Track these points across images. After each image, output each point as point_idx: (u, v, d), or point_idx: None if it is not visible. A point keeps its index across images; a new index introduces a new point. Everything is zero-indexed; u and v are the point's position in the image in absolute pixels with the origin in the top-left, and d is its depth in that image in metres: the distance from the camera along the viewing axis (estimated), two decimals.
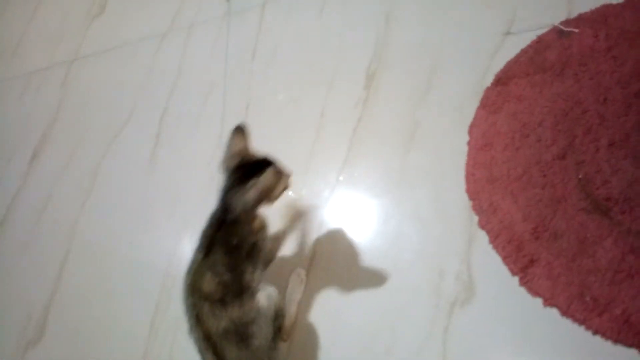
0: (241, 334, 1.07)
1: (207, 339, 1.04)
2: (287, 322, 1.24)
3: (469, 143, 1.31)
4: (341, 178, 1.43)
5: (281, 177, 1.13)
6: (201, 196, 1.55)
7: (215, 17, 1.87)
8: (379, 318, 1.22)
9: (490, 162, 1.26)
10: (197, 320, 1.05)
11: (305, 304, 1.29)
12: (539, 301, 1.10)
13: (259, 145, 1.54)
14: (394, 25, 1.57)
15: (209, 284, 1.08)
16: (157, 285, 1.48)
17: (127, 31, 2.02)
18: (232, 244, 1.11)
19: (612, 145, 1.19)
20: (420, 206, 1.31)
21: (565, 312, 1.07)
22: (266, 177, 1.09)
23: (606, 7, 1.35)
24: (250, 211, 1.13)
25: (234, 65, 1.74)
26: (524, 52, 1.37)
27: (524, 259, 1.14)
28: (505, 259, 1.16)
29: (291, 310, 1.26)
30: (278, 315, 1.16)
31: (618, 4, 1.34)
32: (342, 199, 1.41)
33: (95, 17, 2.12)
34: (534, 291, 1.11)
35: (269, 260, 1.28)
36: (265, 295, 1.14)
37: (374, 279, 1.26)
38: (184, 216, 1.57)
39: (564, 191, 1.18)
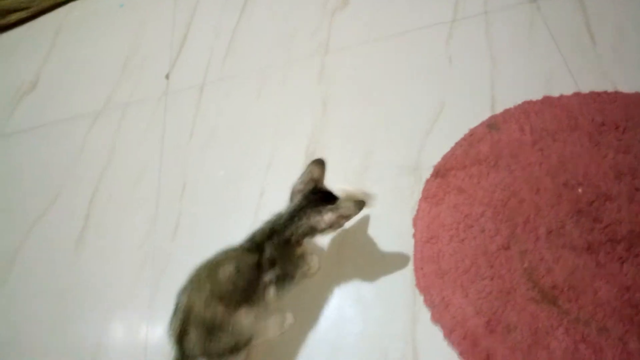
0: (210, 332, 1.07)
1: (186, 310, 1.07)
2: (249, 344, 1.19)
3: (414, 236, 1.31)
4: None
5: (359, 211, 1.13)
6: (132, 281, 1.45)
7: (152, 96, 1.84)
8: None
9: (438, 255, 1.25)
10: (191, 291, 1.09)
11: None
12: None
13: (195, 225, 1.50)
14: (330, 109, 1.61)
15: (225, 274, 1.09)
16: None
17: (58, 109, 1.94)
18: (271, 257, 1.13)
19: (550, 234, 1.23)
20: (361, 286, 1.29)
21: None
22: (349, 206, 1.12)
23: (527, 104, 1.45)
24: (317, 233, 1.15)
25: (170, 145, 1.70)
26: (458, 145, 1.42)
27: (480, 355, 1.11)
28: (462, 354, 1.12)
29: (255, 341, 1.19)
30: (245, 343, 1.14)
31: (537, 101, 1.45)
32: None
33: (25, 94, 2.03)
34: None
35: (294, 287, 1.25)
36: (253, 319, 1.11)
37: None
38: (113, 301, 1.45)
39: (511, 281, 1.19)
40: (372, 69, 1.66)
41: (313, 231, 1.15)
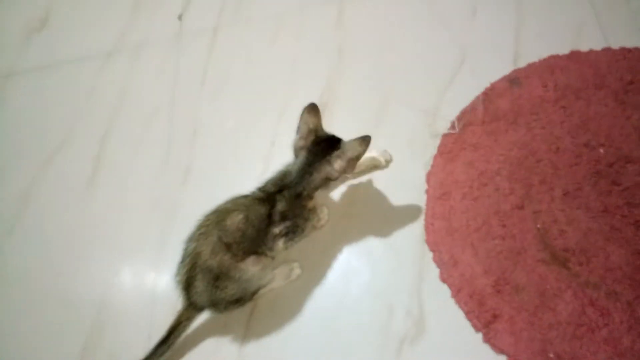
0: (216, 280, 1.09)
1: (194, 257, 1.09)
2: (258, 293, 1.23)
3: (427, 191, 1.29)
4: None
5: (366, 147, 1.11)
6: (143, 223, 1.46)
7: (165, 37, 1.79)
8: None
9: (449, 213, 1.24)
10: (199, 238, 1.10)
11: (247, 344, 1.23)
12: (503, 358, 1.07)
13: (205, 171, 1.49)
14: (346, 58, 1.56)
15: (233, 223, 1.10)
16: (88, 320, 1.36)
17: (69, 48, 1.89)
18: (281, 210, 1.12)
19: (566, 195, 1.21)
20: (370, 240, 1.28)
21: None
22: (354, 146, 1.10)
23: (553, 58, 1.39)
24: (322, 187, 1.15)
25: (182, 89, 1.67)
26: (477, 99, 1.37)
27: (486, 314, 1.11)
28: (468, 314, 1.13)
29: (261, 290, 1.23)
30: (252, 293, 1.17)
31: (564, 56, 1.38)
32: None
33: (34, 32, 1.98)
34: (497, 348, 1.08)
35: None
36: (260, 268, 1.14)
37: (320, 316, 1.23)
38: (123, 245, 1.46)
39: (523, 242, 1.17)
40: (392, 17, 1.59)
41: (327, 182, 1.15)
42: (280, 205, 1.13)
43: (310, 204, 1.18)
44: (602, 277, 1.11)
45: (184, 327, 1.16)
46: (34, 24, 2.00)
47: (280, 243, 1.16)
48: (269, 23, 1.70)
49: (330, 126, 1.45)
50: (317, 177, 1.13)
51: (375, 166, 1.35)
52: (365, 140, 1.09)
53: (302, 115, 1.15)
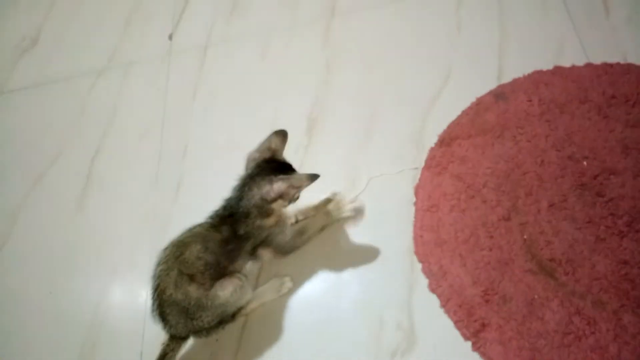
0: (187, 312, 1.09)
1: (159, 293, 1.08)
2: (242, 312, 1.22)
3: (415, 204, 1.31)
4: None
5: (309, 185, 1.09)
6: (133, 239, 1.46)
7: (155, 56, 1.81)
8: None
9: (438, 224, 1.25)
10: (160, 274, 1.09)
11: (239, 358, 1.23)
12: None
13: (196, 187, 1.50)
14: (334, 74, 1.59)
15: (192, 254, 1.09)
16: (80, 338, 1.35)
17: (60, 67, 1.91)
18: (239, 233, 1.12)
19: (551, 207, 1.23)
20: (359, 253, 1.29)
21: None
22: (301, 177, 1.09)
23: (537, 73, 1.43)
24: (267, 204, 1.11)
25: (173, 106, 1.69)
26: (464, 113, 1.40)
27: (475, 324, 1.12)
28: (457, 323, 1.14)
29: (252, 305, 1.23)
30: (232, 313, 1.17)
31: (548, 71, 1.42)
32: None
33: (26, 50, 2.00)
34: (487, 357, 1.09)
35: (291, 250, 1.25)
36: (231, 291, 1.11)
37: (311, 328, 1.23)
38: (113, 262, 1.46)
39: (510, 253, 1.19)
40: (379, 34, 1.63)
41: (263, 203, 1.10)
42: (241, 229, 1.11)
43: (271, 220, 1.14)
44: (588, 286, 1.13)
45: (170, 358, 1.14)
46: (26, 43, 2.02)
47: (248, 264, 1.17)
48: (257, 40, 1.73)
49: (319, 141, 1.48)
50: (256, 193, 1.10)
51: (325, 215, 1.31)
52: (313, 177, 1.08)
53: (269, 135, 1.16)
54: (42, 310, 1.44)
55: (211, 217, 1.15)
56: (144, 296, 1.36)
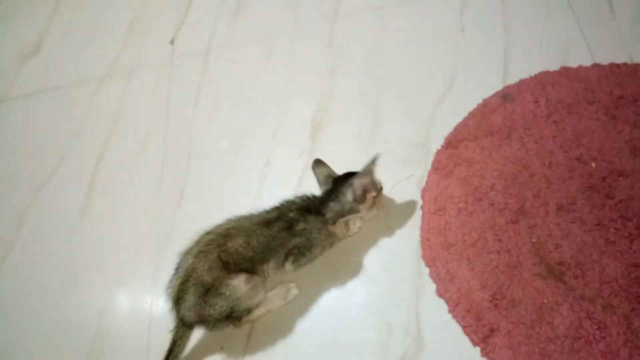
0: (207, 295, 1.12)
1: (189, 271, 1.12)
2: (248, 318, 1.21)
3: (422, 207, 1.30)
4: None
5: (375, 167, 1.20)
6: (139, 247, 1.45)
7: (157, 61, 1.81)
8: None
9: (445, 228, 1.24)
10: (198, 255, 1.13)
11: None
12: None
13: (201, 193, 1.50)
14: (339, 77, 1.58)
15: (234, 246, 1.14)
16: (86, 347, 1.34)
17: (62, 73, 1.91)
18: (295, 228, 1.18)
19: (560, 209, 1.21)
20: (366, 258, 1.28)
21: None
22: (366, 166, 1.19)
23: (544, 74, 1.41)
24: (342, 215, 1.22)
25: (176, 111, 1.68)
26: (470, 115, 1.39)
27: (484, 329, 1.11)
28: (465, 328, 1.12)
29: (258, 311, 1.22)
30: (240, 312, 1.17)
31: (554, 72, 1.40)
32: None
33: (28, 57, 2.00)
34: None
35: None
36: (251, 287, 1.14)
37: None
38: (118, 270, 1.45)
39: (518, 256, 1.18)
40: (383, 37, 1.62)
41: (352, 207, 1.21)
42: (300, 225, 1.18)
43: (331, 229, 1.23)
44: (598, 290, 1.11)
45: (179, 347, 1.16)
46: (28, 50, 2.02)
47: (289, 263, 1.21)
48: (260, 44, 1.73)
49: (325, 145, 1.47)
50: (342, 199, 1.20)
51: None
52: (373, 160, 1.19)
53: (314, 169, 1.29)
54: (48, 318, 1.43)
55: (272, 210, 1.22)
56: (149, 302, 1.36)
